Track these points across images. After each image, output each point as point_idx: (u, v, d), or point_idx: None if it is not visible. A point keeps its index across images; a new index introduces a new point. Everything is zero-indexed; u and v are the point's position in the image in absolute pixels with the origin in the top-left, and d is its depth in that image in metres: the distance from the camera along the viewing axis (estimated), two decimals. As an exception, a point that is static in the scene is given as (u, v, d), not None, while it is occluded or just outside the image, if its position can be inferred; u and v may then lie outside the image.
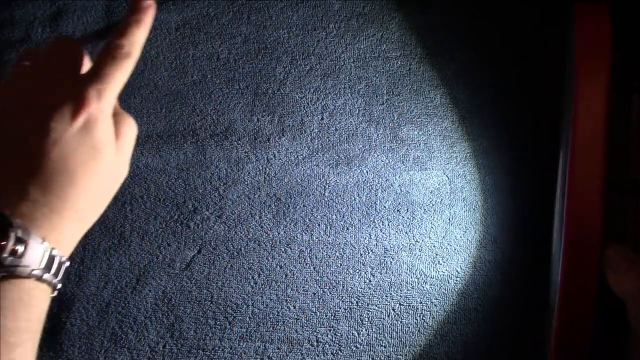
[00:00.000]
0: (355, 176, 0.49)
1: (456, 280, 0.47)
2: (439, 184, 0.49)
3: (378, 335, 0.45)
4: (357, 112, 0.51)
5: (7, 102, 0.31)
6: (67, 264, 0.32)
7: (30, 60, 0.35)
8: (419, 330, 0.46)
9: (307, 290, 0.46)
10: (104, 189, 0.33)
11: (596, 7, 0.33)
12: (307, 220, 0.48)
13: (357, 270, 0.47)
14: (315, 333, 0.45)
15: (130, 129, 0.35)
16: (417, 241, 0.48)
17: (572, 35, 0.36)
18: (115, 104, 0.35)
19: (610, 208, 0.29)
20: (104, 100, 0.32)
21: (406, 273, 0.47)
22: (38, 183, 0.27)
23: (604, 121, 0.30)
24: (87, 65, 0.38)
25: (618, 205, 0.35)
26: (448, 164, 0.49)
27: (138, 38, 0.36)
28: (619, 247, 0.31)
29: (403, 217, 0.48)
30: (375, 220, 0.48)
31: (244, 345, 0.45)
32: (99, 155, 0.31)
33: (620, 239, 0.34)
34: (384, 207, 0.48)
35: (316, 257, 0.47)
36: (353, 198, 0.48)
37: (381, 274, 0.47)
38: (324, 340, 0.45)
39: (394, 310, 0.46)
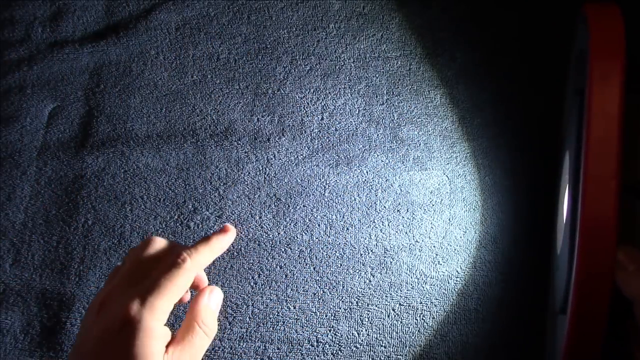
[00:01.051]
0: (355, 176, 0.49)
1: (456, 280, 0.47)
2: (439, 184, 0.49)
3: (378, 335, 0.45)
4: (357, 112, 0.51)
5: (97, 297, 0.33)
6: None
7: (127, 260, 0.36)
8: (419, 330, 0.46)
9: (307, 290, 0.46)
10: None
11: (608, 7, 0.33)
12: (307, 220, 0.48)
13: (357, 270, 0.47)
14: (315, 333, 0.45)
15: (200, 339, 0.34)
16: (417, 241, 0.48)
17: (583, 34, 0.36)
18: (198, 312, 0.34)
19: (622, 209, 0.29)
20: (146, 309, 0.31)
21: (406, 273, 0.47)
22: None
23: (618, 122, 0.30)
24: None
25: (628, 206, 0.35)
26: (448, 164, 0.49)
27: (201, 257, 0.35)
28: (629, 248, 0.31)
29: (403, 217, 0.48)
30: (375, 221, 0.48)
31: (244, 345, 0.45)
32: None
33: (629, 241, 0.34)
34: (384, 207, 0.48)
35: (316, 257, 0.47)
36: (353, 198, 0.48)
37: (381, 274, 0.47)
38: (324, 340, 0.45)
39: (394, 310, 0.46)
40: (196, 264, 0.34)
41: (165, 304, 0.32)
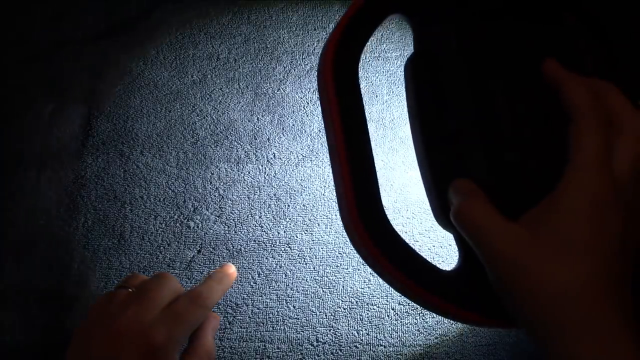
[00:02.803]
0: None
1: (456, 280, 0.47)
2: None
3: (378, 335, 0.45)
4: (357, 112, 0.51)
5: (103, 319, 0.35)
6: None
7: (130, 284, 0.38)
8: (418, 330, 0.46)
9: (307, 290, 0.46)
10: None
11: None
12: (307, 220, 0.48)
13: (357, 270, 0.47)
14: (315, 333, 0.45)
15: None
16: (417, 241, 0.48)
17: None
18: (204, 343, 0.37)
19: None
20: (169, 338, 0.35)
21: (406, 273, 0.47)
22: None
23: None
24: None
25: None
26: (448, 164, 0.49)
27: (216, 291, 0.39)
28: (456, 182, 0.29)
29: (403, 217, 0.48)
30: (375, 220, 0.48)
31: (244, 346, 0.45)
32: None
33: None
34: (384, 207, 0.48)
35: (316, 257, 0.47)
36: (353, 198, 0.48)
37: (381, 274, 0.47)
38: (324, 340, 0.45)
39: (393, 310, 0.46)
40: (214, 302, 0.38)
41: (184, 337, 0.36)
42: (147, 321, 0.34)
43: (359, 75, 0.52)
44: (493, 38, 0.29)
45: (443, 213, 0.30)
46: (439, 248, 0.47)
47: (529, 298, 0.23)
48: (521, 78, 0.28)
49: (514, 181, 0.26)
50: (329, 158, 0.33)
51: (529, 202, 0.25)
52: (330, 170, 0.49)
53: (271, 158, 0.50)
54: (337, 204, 0.32)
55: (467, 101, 0.28)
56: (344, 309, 0.46)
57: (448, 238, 0.48)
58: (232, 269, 0.43)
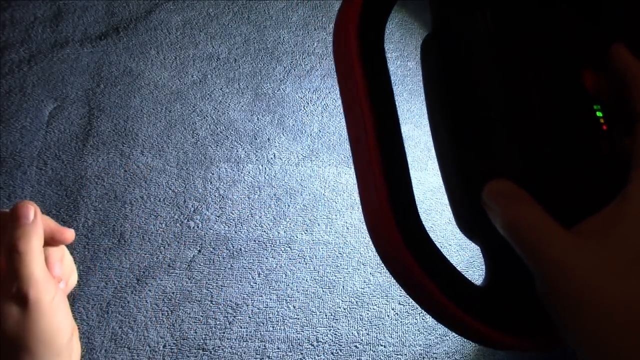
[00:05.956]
0: (355, 176, 0.49)
1: (456, 280, 0.47)
2: (439, 184, 0.49)
3: (378, 335, 0.45)
4: (357, 112, 0.51)
5: None
6: None
7: None
8: (418, 330, 0.46)
9: (307, 290, 0.46)
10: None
11: None
12: (307, 220, 0.48)
13: (357, 270, 0.47)
14: (315, 333, 0.45)
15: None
16: (417, 241, 0.48)
17: None
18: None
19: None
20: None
21: (406, 273, 0.47)
22: None
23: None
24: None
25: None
26: (448, 164, 0.49)
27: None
28: (493, 184, 0.26)
29: (403, 217, 0.48)
30: (375, 220, 0.48)
31: (244, 345, 0.45)
32: None
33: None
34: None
35: (316, 257, 0.47)
36: (353, 198, 0.48)
37: (381, 274, 0.47)
38: (324, 340, 0.45)
39: (393, 310, 0.46)
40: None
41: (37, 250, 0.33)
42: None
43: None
44: (530, 27, 0.27)
45: (471, 220, 0.27)
46: (439, 248, 0.47)
47: (601, 322, 0.20)
48: (558, 70, 0.26)
49: (556, 182, 0.24)
50: (343, 164, 0.32)
51: (575, 205, 0.22)
52: (330, 171, 0.49)
53: (271, 158, 0.50)
54: (360, 205, 0.30)
55: (499, 91, 0.25)
56: (344, 309, 0.46)
57: (447, 238, 0.48)
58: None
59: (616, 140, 0.23)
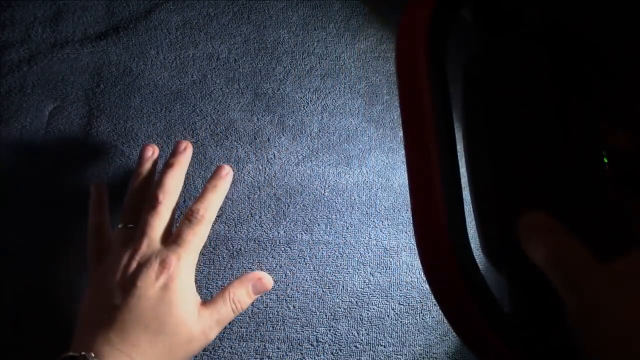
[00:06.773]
0: (355, 176, 0.49)
1: (456, 280, 0.47)
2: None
3: (378, 335, 0.45)
4: (357, 112, 0.51)
5: (115, 263, 0.38)
6: None
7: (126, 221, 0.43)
8: (418, 330, 0.46)
9: (307, 290, 0.46)
10: (173, 344, 0.35)
11: None
12: (307, 220, 0.48)
13: (357, 270, 0.47)
14: (315, 333, 0.45)
15: (226, 309, 0.39)
16: (415, 242, 0.48)
17: None
18: (235, 289, 0.40)
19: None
20: (182, 262, 0.37)
21: (406, 273, 0.47)
22: (119, 331, 0.33)
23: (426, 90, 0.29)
24: None
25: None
26: (448, 164, 0.49)
27: (213, 202, 0.41)
28: (530, 216, 0.26)
29: (403, 217, 0.48)
30: (375, 220, 0.48)
31: (244, 345, 0.45)
32: (174, 311, 0.35)
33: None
34: (384, 207, 0.48)
35: (316, 257, 0.47)
36: (353, 198, 0.48)
37: (381, 273, 0.47)
38: (324, 340, 0.45)
39: (393, 310, 0.46)
40: (212, 213, 0.41)
41: (194, 258, 0.39)
42: (154, 255, 0.37)
43: (359, 75, 0.52)
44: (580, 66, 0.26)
45: (503, 248, 0.26)
46: (439, 248, 0.47)
47: None
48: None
49: (586, 220, 0.23)
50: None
51: (604, 244, 0.22)
52: (330, 171, 0.49)
53: (271, 158, 0.50)
54: (412, 215, 0.29)
55: (551, 124, 0.24)
56: (344, 309, 0.46)
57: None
58: (224, 171, 0.43)
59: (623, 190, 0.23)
